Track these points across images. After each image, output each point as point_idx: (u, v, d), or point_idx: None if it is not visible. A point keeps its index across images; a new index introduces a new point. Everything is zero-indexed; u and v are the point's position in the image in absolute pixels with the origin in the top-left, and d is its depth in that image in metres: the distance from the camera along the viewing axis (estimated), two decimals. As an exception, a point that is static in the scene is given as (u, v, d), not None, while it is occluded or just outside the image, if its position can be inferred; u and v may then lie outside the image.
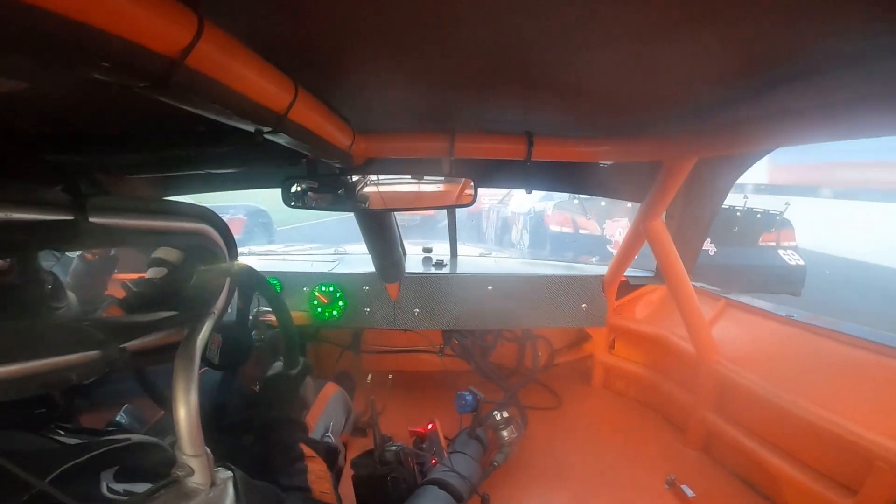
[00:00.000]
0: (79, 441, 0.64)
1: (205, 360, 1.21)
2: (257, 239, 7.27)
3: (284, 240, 6.85)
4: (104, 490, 0.55)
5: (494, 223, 8.07)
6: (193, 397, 0.57)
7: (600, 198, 5.50)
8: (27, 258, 0.55)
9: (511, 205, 7.54)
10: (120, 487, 0.56)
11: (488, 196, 8.15)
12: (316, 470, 0.97)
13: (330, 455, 1.22)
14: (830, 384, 1.31)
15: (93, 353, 0.53)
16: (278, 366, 1.18)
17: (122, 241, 0.57)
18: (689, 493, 1.47)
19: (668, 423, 1.94)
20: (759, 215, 5.03)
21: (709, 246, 4.70)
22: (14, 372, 0.44)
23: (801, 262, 4.96)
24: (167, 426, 1.15)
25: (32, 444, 0.61)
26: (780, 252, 5.04)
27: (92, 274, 1.46)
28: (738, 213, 4.95)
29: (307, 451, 0.99)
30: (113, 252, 1.52)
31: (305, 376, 1.19)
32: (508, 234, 7.45)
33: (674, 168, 1.44)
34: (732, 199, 4.77)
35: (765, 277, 4.84)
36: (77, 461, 0.54)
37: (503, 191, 7.45)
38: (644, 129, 1.28)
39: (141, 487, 0.57)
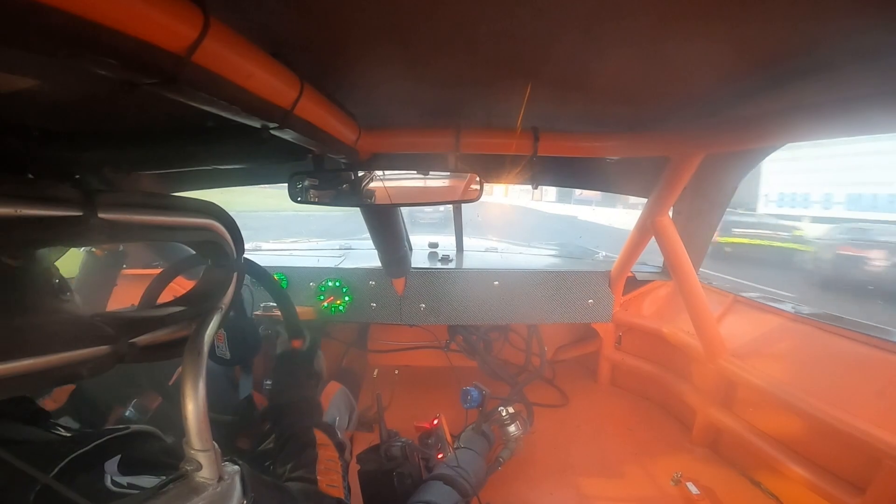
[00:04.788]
0: (79, 432, 0.65)
1: (217, 359, 1.22)
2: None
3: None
4: (108, 483, 0.56)
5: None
6: (201, 392, 0.57)
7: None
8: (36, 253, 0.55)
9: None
10: (124, 480, 0.57)
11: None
12: (326, 459, 0.95)
13: (338, 449, 1.23)
14: (839, 381, 1.29)
15: (103, 348, 0.54)
16: (285, 341, 1.18)
17: (131, 236, 0.57)
18: (695, 490, 1.47)
19: (674, 419, 1.93)
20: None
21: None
22: (26, 367, 0.45)
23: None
24: (164, 417, 1.15)
25: (36, 436, 0.61)
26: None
27: (101, 270, 1.48)
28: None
29: (320, 437, 0.99)
30: (121, 248, 1.53)
31: (317, 350, 1.18)
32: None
33: (681, 164, 1.42)
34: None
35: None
36: (81, 451, 0.54)
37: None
38: (651, 124, 1.26)
39: (145, 480, 0.57)
